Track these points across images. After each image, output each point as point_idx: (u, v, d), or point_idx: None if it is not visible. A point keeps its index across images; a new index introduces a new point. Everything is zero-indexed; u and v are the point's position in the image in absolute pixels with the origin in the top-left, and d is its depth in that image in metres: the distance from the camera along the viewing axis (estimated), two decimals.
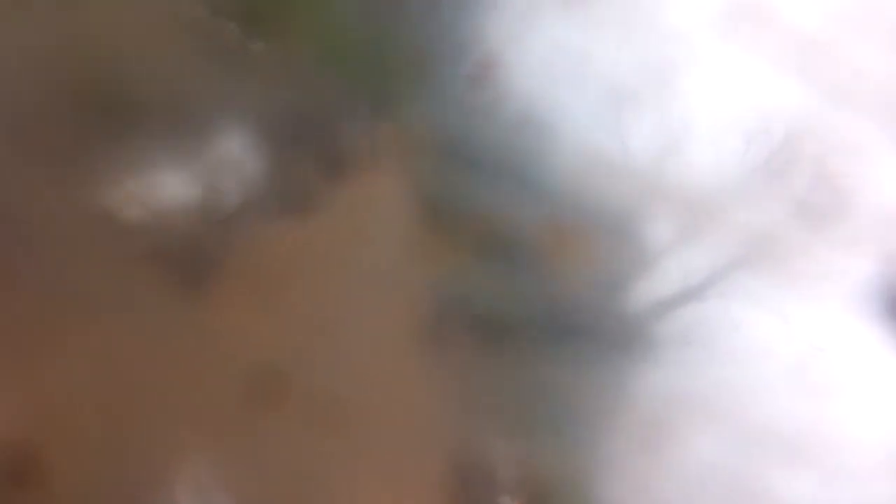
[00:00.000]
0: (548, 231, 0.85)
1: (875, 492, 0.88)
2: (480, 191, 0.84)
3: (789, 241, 0.90)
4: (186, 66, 0.78)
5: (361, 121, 0.81)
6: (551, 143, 0.87)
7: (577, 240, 0.86)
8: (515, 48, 0.87)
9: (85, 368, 0.74)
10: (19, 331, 0.73)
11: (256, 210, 0.78)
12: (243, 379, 0.75)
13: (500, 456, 0.82)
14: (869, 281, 0.90)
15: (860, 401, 0.89)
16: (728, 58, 0.89)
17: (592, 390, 0.85)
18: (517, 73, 0.87)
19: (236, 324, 0.76)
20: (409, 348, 0.80)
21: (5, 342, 0.73)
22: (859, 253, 0.90)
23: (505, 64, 0.86)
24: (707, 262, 0.89)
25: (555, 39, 0.87)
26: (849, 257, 0.90)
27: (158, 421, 0.75)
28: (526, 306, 0.84)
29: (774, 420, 0.88)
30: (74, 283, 0.74)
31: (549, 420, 0.84)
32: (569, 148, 0.87)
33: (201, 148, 0.78)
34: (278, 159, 0.79)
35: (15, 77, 0.75)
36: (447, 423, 0.80)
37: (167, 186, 0.77)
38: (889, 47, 0.90)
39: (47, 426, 0.73)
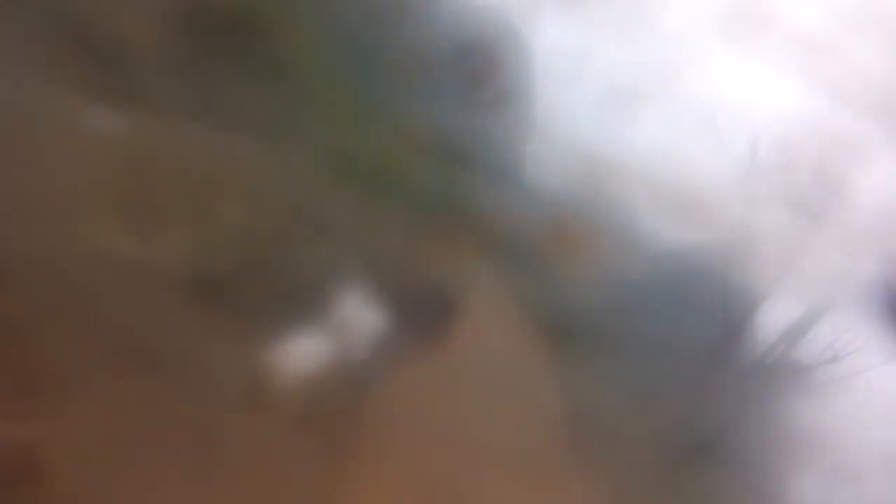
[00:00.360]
0: (547, 231, 0.85)
1: (875, 492, 0.88)
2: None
3: (788, 241, 0.90)
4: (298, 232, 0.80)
5: (458, 256, 0.82)
6: (551, 143, 0.87)
7: (577, 239, 0.86)
8: (515, 48, 0.87)
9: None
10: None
11: (383, 356, 0.79)
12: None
13: None
14: (869, 281, 0.90)
15: (860, 401, 0.89)
16: (728, 58, 0.89)
17: None
18: (517, 73, 0.87)
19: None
20: (551, 461, 0.81)
21: None
22: (859, 253, 0.90)
23: (505, 64, 0.86)
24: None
25: (555, 39, 0.87)
26: (849, 257, 0.90)
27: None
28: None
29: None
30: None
31: None
32: (569, 148, 0.87)
33: (322, 309, 0.79)
34: (394, 304, 0.80)
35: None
36: None
37: (299, 351, 0.78)
38: (889, 47, 0.90)
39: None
